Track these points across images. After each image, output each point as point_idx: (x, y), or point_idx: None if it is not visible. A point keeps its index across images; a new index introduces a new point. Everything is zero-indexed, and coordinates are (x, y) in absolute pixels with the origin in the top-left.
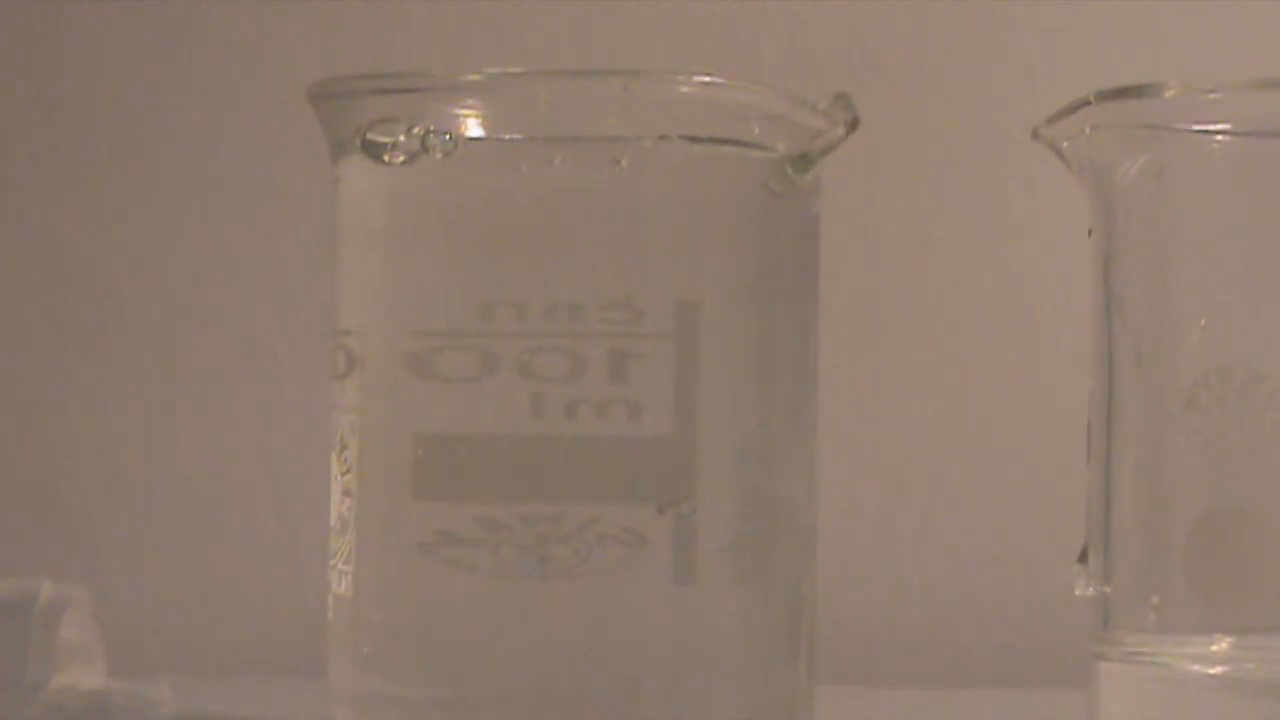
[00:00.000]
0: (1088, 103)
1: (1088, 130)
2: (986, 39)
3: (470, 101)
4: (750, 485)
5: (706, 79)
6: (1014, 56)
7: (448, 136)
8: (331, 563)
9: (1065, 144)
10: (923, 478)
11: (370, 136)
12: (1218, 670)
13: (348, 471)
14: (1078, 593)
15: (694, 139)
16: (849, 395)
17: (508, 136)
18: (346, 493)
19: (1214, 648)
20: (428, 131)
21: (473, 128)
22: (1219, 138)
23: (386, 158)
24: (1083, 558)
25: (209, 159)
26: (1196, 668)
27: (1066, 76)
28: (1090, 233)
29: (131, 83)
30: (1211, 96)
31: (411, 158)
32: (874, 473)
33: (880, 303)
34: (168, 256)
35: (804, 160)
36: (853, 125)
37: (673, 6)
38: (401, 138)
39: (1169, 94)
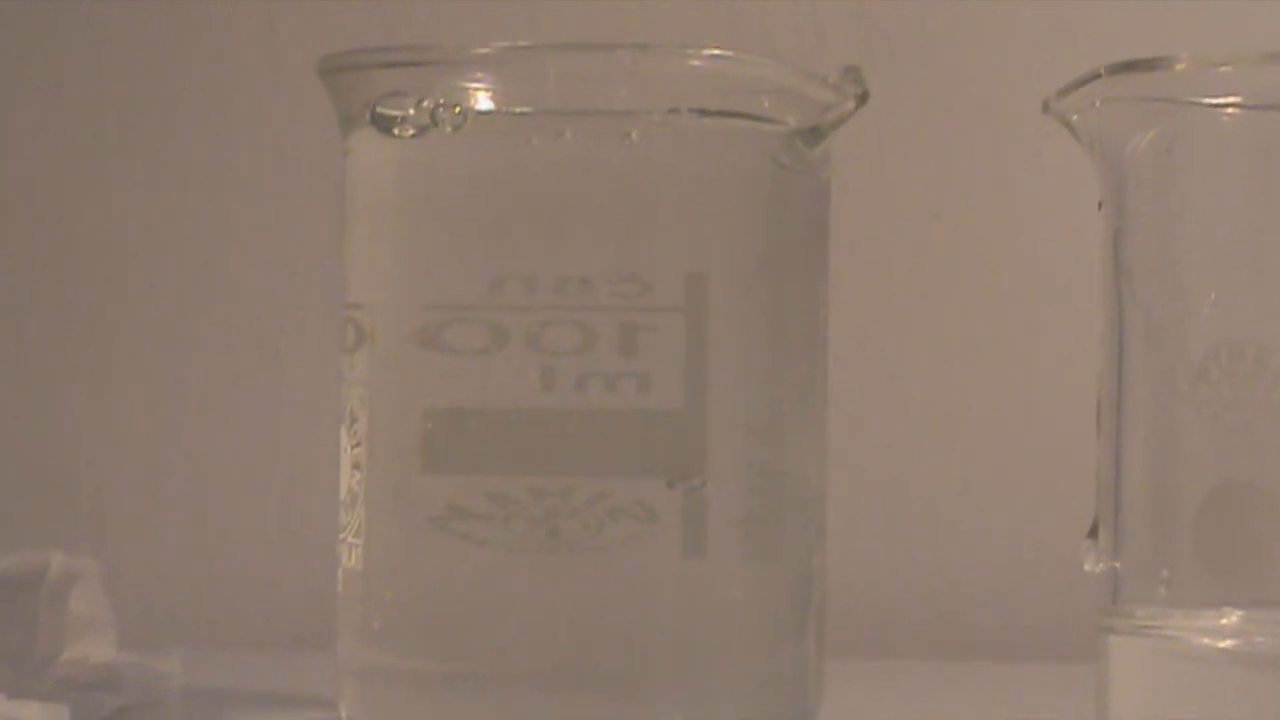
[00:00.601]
0: (1098, 76)
1: (1098, 104)
2: (995, 14)
3: (479, 75)
4: (760, 459)
5: (716, 52)
6: (1023, 31)
7: (457, 110)
8: (341, 536)
9: (1075, 117)
10: (932, 452)
11: (380, 110)
12: (1227, 644)
13: (357, 445)
14: (1087, 568)
15: (704, 112)
16: (859, 369)
17: (517, 110)
18: (356, 466)
19: (1224, 621)
20: (437, 105)
21: (482, 101)
22: (1229, 111)
23: (396, 131)
24: (1092, 533)
25: (216, 135)
26: (1206, 641)
27: (1075, 51)
28: (1100, 206)
29: (140, 62)
30: (1222, 70)
31: (421, 131)
32: (883, 447)
33: (890, 276)
34: (175, 232)
35: (814, 134)
36: (862, 99)
37: None
38: (411, 111)
39: (1179, 67)
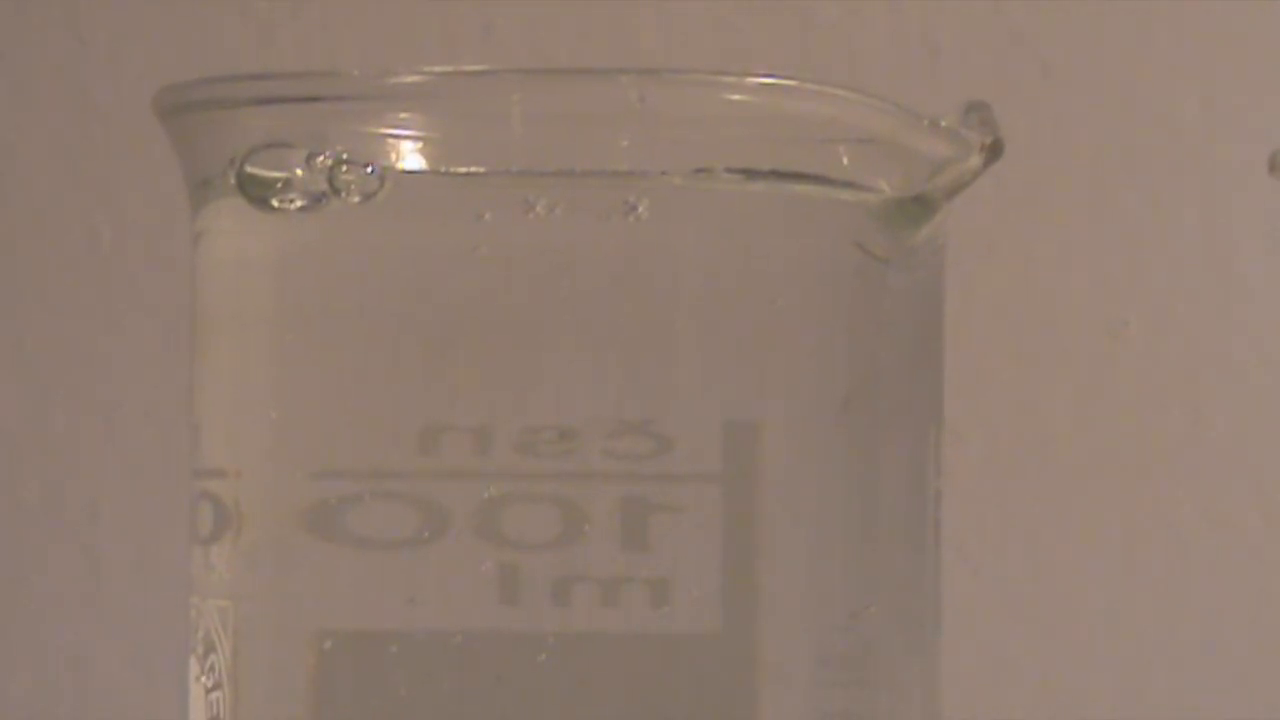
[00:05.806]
0: None
1: None
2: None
3: (404, 116)
4: (839, 710)
5: (768, 80)
6: (1249, 37)
7: (369, 169)
8: None
9: None
10: (1100, 683)
11: (251, 169)
12: None
13: (215, 687)
14: None
15: (748, 173)
16: (994, 566)
17: (462, 170)
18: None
19: None
20: (339, 161)
21: (408, 156)
22: None
23: (276, 202)
24: None
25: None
26: None
27: None
28: None
29: None
30: None
31: (314, 201)
32: (1032, 687)
33: (1044, 420)
34: None
35: (919, 206)
36: (994, 151)
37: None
38: (299, 171)
39: None
